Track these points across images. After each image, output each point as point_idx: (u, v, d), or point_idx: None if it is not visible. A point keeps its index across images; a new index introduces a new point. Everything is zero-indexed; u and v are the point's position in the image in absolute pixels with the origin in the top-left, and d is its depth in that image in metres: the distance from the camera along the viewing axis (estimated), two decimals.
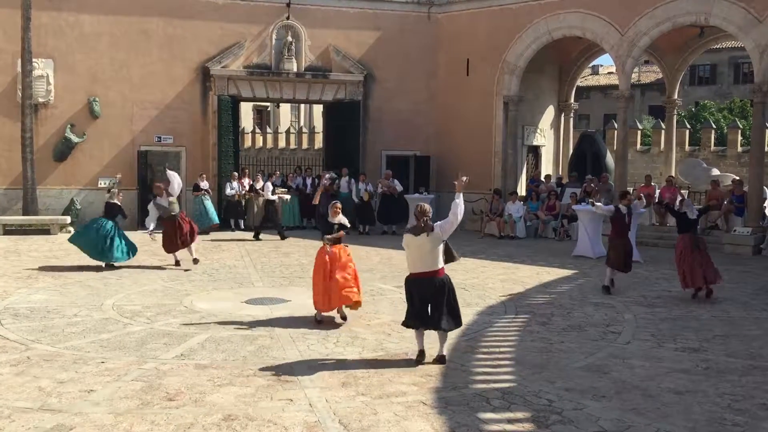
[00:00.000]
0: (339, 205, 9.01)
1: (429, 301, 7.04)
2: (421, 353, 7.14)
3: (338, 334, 8.24)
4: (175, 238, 12.79)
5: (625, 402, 6.05)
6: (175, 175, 13.34)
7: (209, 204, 18.67)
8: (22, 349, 7.45)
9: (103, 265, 12.49)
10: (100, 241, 12.44)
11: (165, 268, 12.77)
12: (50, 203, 18.83)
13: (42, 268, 12.52)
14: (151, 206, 13.02)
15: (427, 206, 7.17)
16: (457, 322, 7.14)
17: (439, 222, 7.05)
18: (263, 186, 18.12)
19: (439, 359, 7.08)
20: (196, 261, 12.97)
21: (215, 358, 7.19)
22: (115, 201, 12.94)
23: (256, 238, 17.29)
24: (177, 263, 12.94)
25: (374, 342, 7.86)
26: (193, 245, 13.06)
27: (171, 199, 12.94)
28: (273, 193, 17.56)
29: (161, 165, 26.36)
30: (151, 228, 12.90)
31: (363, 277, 8.55)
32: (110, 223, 12.67)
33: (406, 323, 7.28)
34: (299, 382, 6.47)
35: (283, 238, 17.30)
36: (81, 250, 12.65)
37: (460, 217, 7.03)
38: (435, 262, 7.02)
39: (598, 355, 7.49)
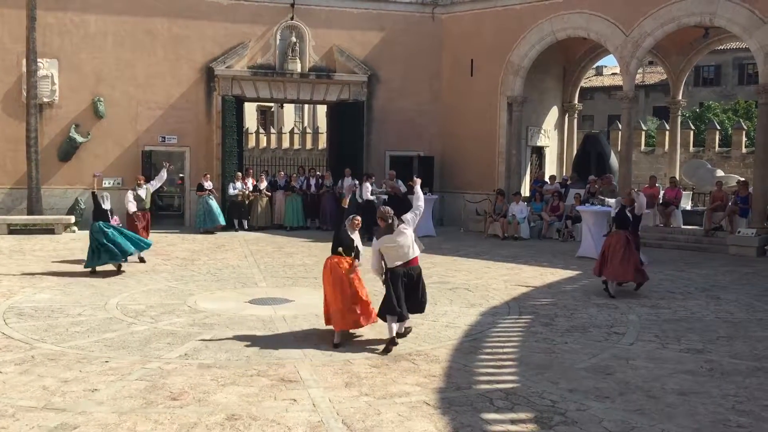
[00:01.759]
0: (359, 219, 8.15)
1: (406, 289, 7.69)
2: (393, 341, 7.62)
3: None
4: (135, 229, 13.45)
5: (629, 403, 6.04)
6: (164, 175, 14.34)
7: (215, 204, 18.71)
8: (26, 348, 7.47)
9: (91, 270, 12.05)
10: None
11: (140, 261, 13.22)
12: (55, 203, 18.89)
13: (46, 268, 12.54)
14: (129, 195, 13.75)
15: (387, 208, 7.83)
16: (424, 308, 8.03)
17: (406, 215, 7.82)
18: (362, 186, 17.67)
19: (392, 340, 7.60)
20: (142, 260, 13.33)
21: (219, 358, 7.20)
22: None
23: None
24: (141, 260, 13.35)
25: (378, 342, 7.85)
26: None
27: (145, 192, 13.79)
28: (372, 193, 17.46)
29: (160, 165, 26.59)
30: (132, 210, 13.70)
31: (366, 277, 8.50)
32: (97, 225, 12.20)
33: (389, 311, 7.60)
34: (303, 382, 6.47)
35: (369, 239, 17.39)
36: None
37: (422, 206, 7.89)
38: (413, 252, 7.73)
39: (601, 356, 7.48)
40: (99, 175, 13.77)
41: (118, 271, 12.10)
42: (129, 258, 12.62)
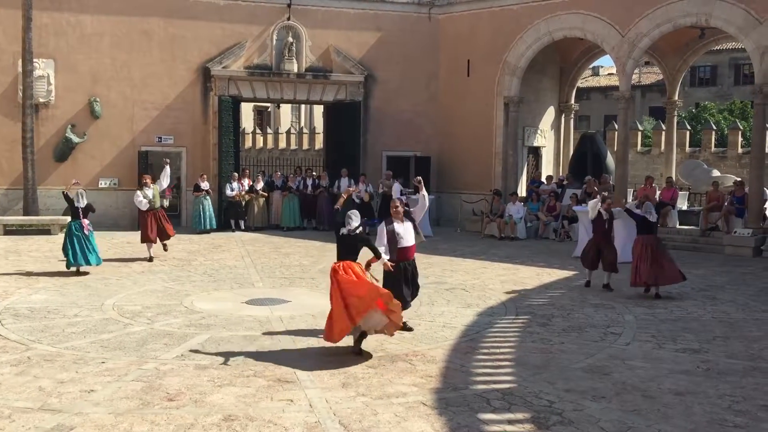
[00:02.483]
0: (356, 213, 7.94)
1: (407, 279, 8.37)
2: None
3: None
4: (151, 230, 13.60)
5: (626, 403, 6.05)
6: (168, 171, 14.40)
7: (209, 206, 18.68)
8: (22, 349, 7.46)
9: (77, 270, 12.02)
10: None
11: (137, 260, 13.44)
12: (51, 203, 18.83)
13: (42, 269, 12.51)
14: (138, 195, 13.75)
15: (401, 198, 9.09)
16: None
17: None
18: (393, 187, 17.98)
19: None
20: (150, 259, 13.62)
21: (215, 359, 7.19)
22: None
23: None
24: (150, 259, 13.61)
25: (374, 343, 7.84)
26: (153, 246, 13.83)
27: (152, 192, 13.77)
28: (402, 193, 17.54)
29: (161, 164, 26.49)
30: (146, 207, 13.70)
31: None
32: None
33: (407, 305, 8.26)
34: (299, 382, 6.47)
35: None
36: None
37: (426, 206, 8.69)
38: (411, 240, 8.45)
39: (598, 356, 7.49)
40: (77, 183, 13.26)
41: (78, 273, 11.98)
42: (129, 255, 12.68)
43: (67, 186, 12.79)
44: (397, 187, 17.79)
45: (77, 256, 11.87)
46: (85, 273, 12.04)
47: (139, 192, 13.81)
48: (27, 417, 5.55)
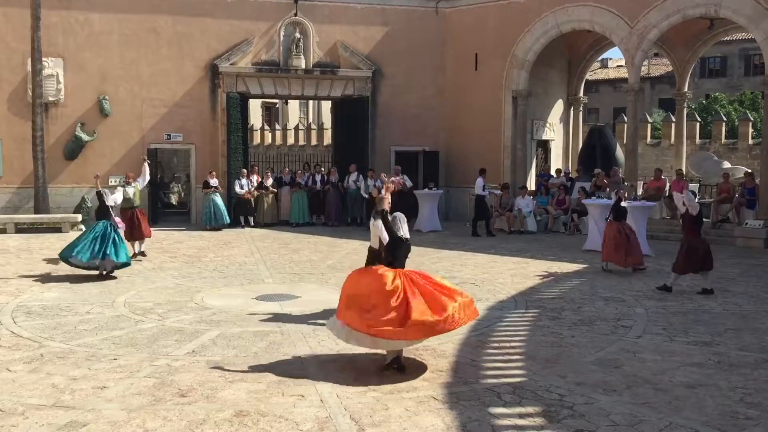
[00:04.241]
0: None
1: None
2: None
3: None
4: (130, 229, 13.45)
5: (637, 396, 6.04)
6: (147, 170, 14.12)
7: (220, 202, 18.73)
8: (35, 347, 7.50)
9: (103, 273, 11.50)
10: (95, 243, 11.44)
11: (146, 257, 13.55)
12: (61, 201, 18.96)
13: (54, 267, 12.57)
14: (118, 190, 13.40)
15: (387, 198, 7.54)
16: None
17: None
18: (476, 183, 17.89)
19: None
20: (142, 254, 13.64)
21: (226, 355, 7.22)
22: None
23: (476, 234, 17.34)
24: (134, 254, 13.33)
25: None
26: (143, 243, 13.86)
27: (133, 190, 13.65)
28: (484, 189, 17.53)
29: (170, 162, 26.58)
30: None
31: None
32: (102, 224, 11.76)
33: None
34: (310, 377, 6.49)
35: (489, 234, 17.43)
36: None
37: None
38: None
39: (609, 350, 7.47)
40: (99, 176, 13.05)
41: (103, 276, 11.45)
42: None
43: (96, 184, 12.48)
44: (479, 183, 17.54)
45: (93, 252, 11.29)
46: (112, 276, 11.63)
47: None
48: (40, 414, 5.59)
